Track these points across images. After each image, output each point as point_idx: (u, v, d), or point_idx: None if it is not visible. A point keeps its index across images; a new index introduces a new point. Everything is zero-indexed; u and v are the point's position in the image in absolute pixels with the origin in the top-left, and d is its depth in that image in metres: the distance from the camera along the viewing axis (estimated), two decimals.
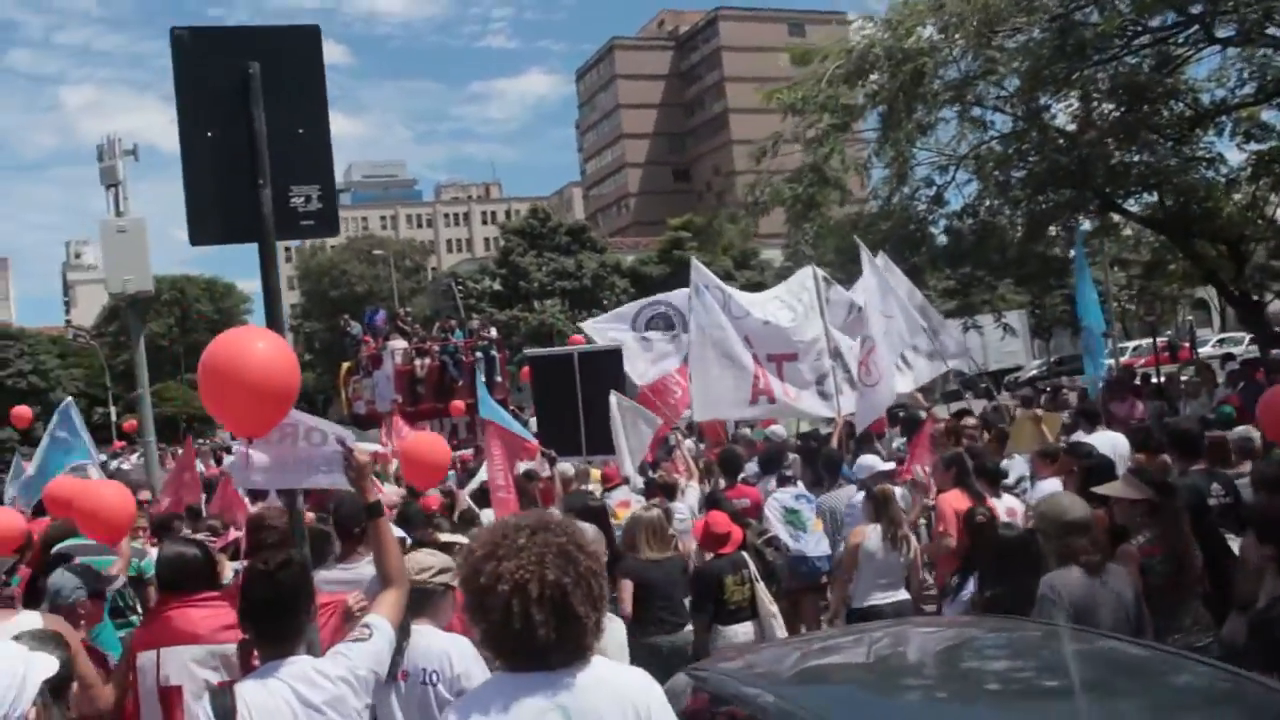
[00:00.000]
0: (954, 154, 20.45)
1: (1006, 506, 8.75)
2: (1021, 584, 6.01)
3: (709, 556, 8.34)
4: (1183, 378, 19.27)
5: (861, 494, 9.27)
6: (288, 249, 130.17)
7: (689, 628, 7.99)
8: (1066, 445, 10.00)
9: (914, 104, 17.93)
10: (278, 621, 3.84)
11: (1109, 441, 10.33)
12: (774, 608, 8.28)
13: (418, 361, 26.72)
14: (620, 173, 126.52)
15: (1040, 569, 5.86)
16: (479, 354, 26.65)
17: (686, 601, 8.11)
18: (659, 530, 8.21)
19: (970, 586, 7.22)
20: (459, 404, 24.63)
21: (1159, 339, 53.52)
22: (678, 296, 15.67)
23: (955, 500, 8.44)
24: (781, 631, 8.21)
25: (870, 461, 9.97)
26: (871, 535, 8.42)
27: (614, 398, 12.04)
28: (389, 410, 23.85)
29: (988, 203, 20.32)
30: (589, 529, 5.61)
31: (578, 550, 2.97)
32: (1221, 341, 51.30)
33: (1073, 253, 13.53)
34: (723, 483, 10.87)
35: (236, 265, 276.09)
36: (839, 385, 12.09)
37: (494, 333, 30.26)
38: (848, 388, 12.16)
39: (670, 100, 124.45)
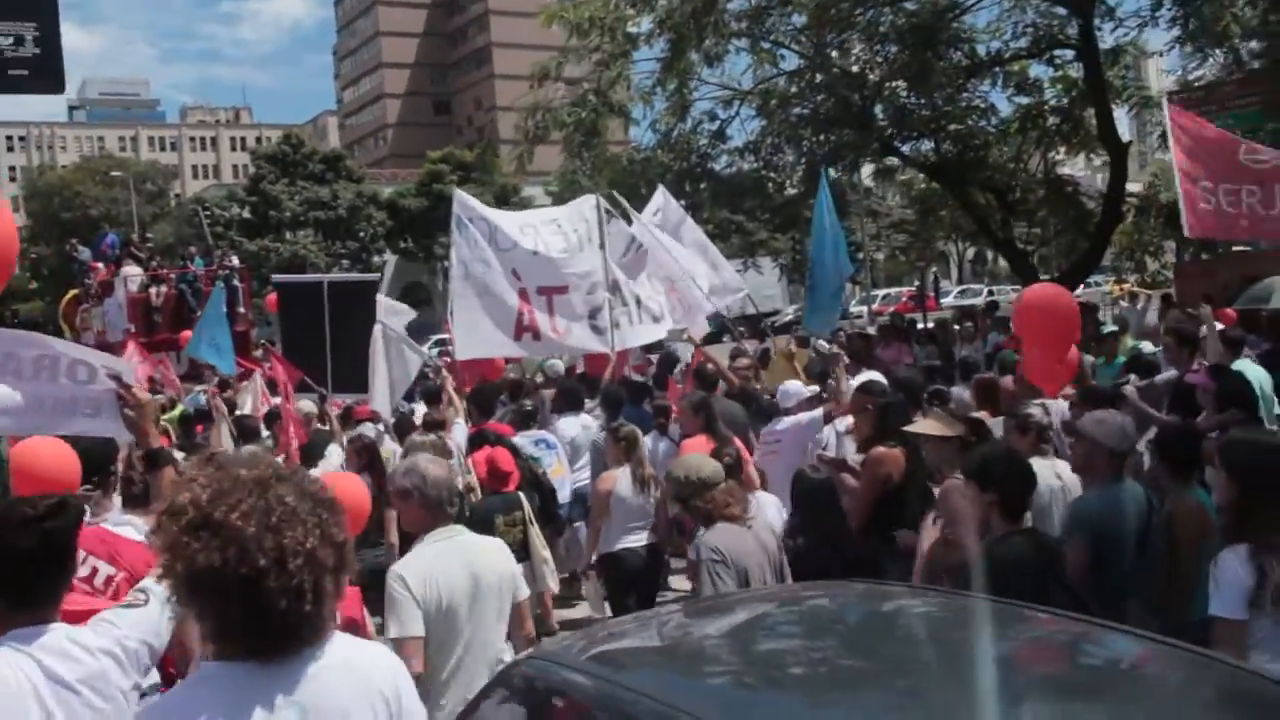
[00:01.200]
0: (739, 88, 19.94)
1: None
2: (829, 528, 6.19)
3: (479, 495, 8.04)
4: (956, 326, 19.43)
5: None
6: (11, 168, 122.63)
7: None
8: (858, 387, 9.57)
9: (704, 32, 17.24)
10: (38, 581, 3.11)
11: (788, 389, 9.86)
12: (546, 553, 7.99)
13: (153, 289, 25.45)
14: (378, 103, 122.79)
15: (840, 513, 6.34)
16: (219, 283, 25.11)
17: None
18: (441, 453, 7.57)
19: None
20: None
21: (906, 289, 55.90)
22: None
23: (700, 446, 7.99)
24: (553, 578, 8.05)
25: (795, 388, 9.49)
26: (622, 479, 8.12)
27: (378, 327, 11.57)
28: (121, 340, 22.33)
29: (769, 140, 19.93)
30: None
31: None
32: (963, 293, 53.83)
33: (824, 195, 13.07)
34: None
35: None
36: (615, 319, 11.57)
37: (236, 261, 28.93)
38: (624, 322, 11.70)
39: (433, 30, 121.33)
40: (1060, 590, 4.63)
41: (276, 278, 19.79)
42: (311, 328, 12.43)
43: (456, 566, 4.69)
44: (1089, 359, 11.83)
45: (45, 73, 3.82)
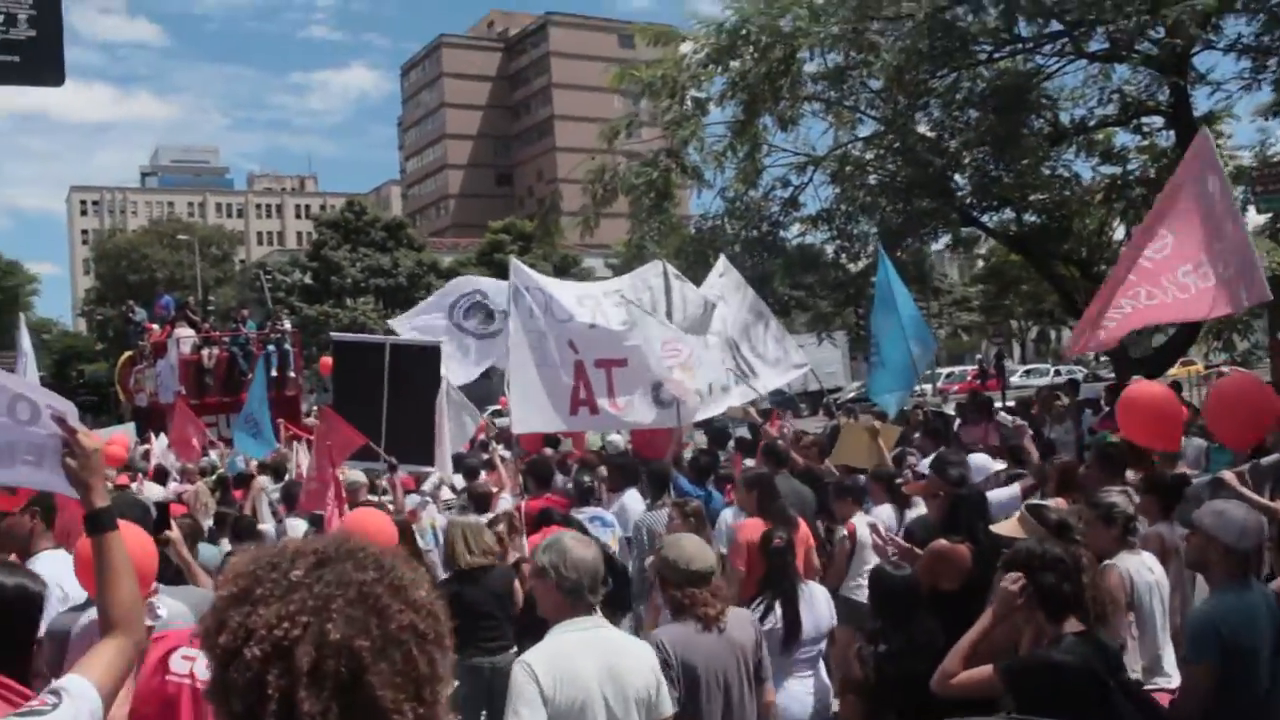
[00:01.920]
0: (813, 153, 19.23)
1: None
2: (919, 631, 5.48)
3: None
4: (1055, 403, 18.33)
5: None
6: (84, 231, 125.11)
7: (514, 649, 6.95)
8: (932, 464, 8.71)
9: (779, 93, 16.57)
10: None
11: (974, 464, 9.12)
12: None
13: (205, 351, 25.15)
14: (441, 173, 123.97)
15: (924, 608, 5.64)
16: (271, 347, 25.06)
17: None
18: (477, 534, 7.48)
19: (777, 612, 6.31)
20: (245, 398, 22.62)
21: (969, 368, 54.69)
22: (490, 284, 14.91)
23: (755, 527, 7.45)
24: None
25: (982, 462, 9.04)
26: None
27: (443, 387, 11.38)
28: (171, 402, 22.21)
29: (843, 208, 19.16)
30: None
31: (391, 595, 1.77)
32: (1029, 373, 52.54)
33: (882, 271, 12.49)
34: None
35: (25, 245, 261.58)
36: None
37: (288, 325, 28.56)
38: (701, 396, 11.23)
39: (496, 102, 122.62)
40: (1125, 698, 4.14)
41: (336, 336, 19.33)
42: (368, 391, 11.73)
43: (594, 666, 4.14)
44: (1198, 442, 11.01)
45: (42, 59, 3.04)
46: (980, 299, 51.89)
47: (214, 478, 13.44)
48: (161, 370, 25.89)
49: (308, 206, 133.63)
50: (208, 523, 10.02)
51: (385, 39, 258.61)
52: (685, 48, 18.09)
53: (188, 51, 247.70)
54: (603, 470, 11.30)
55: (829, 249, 20.40)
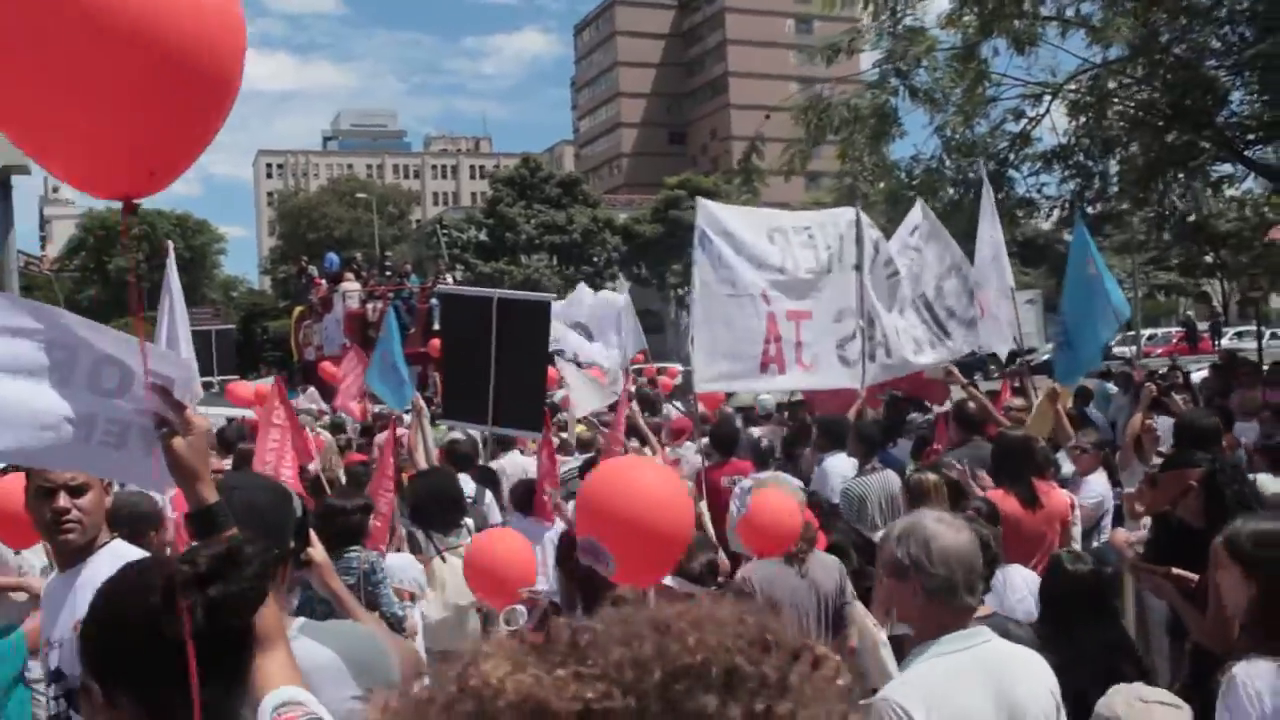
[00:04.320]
0: (1052, 80, 16.96)
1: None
2: (1091, 641, 4.64)
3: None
4: None
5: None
6: (269, 193, 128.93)
7: None
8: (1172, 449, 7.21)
9: (1021, 5, 14.41)
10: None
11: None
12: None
13: (369, 305, 25.06)
14: (614, 132, 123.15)
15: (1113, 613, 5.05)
16: (434, 301, 24.47)
17: None
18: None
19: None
20: (408, 352, 21.98)
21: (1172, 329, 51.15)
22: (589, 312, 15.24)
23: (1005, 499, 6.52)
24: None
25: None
26: None
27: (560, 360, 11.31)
28: (337, 356, 21.87)
29: (1084, 142, 16.91)
30: None
31: None
32: (1240, 334, 48.94)
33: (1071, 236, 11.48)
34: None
35: (216, 209, 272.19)
36: (871, 351, 10.48)
37: (451, 280, 28.16)
38: (881, 355, 10.64)
39: (669, 60, 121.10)
40: None
41: (442, 289, 18.41)
42: (475, 348, 10.65)
43: (982, 697, 3.11)
44: None
45: None
46: (1180, 256, 48.28)
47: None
48: (328, 324, 26.15)
49: (482, 167, 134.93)
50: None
51: (558, 2, 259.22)
52: None
53: (365, 20, 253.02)
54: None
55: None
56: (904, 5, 15.89)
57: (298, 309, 30.29)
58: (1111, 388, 15.59)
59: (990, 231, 11.13)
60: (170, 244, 9.58)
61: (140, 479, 2.90)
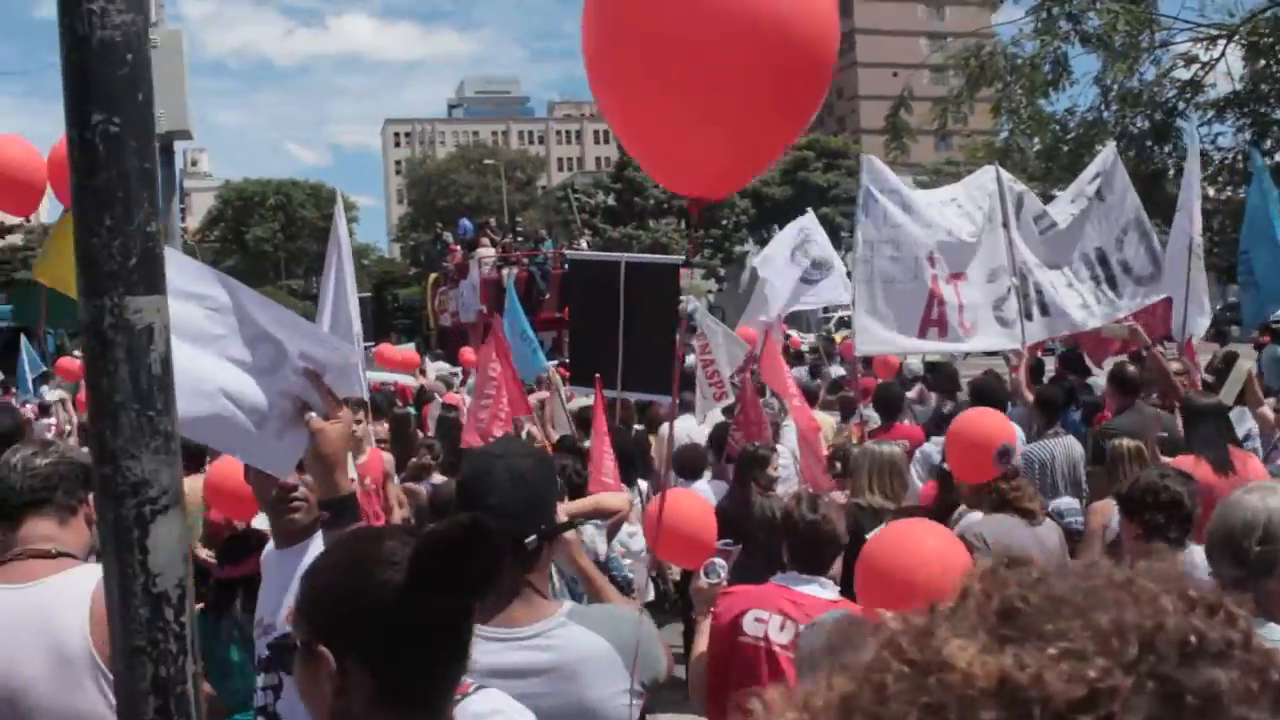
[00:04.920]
0: (1229, 21, 15.92)
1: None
2: None
3: None
4: None
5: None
6: (397, 162, 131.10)
7: None
8: None
9: None
10: (429, 667, 1.93)
11: None
12: None
13: (504, 270, 24.79)
14: None
15: None
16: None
17: None
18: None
19: None
20: (544, 317, 22.25)
21: None
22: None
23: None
24: None
25: None
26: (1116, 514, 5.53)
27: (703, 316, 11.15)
28: (473, 321, 22.34)
29: (1264, 88, 15.88)
30: None
31: None
32: None
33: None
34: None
35: (345, 178, 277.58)
36: (1026, 309, 10.09)
37: (584, 245, 28.11)
38: (1038, 313, 10.20)
39: None
40: None
41: (571, 254, 18.64)
42: (603, 313, 10.71)
43: None
44: None
45: None
46: None
47: None
48: (463, 290, 26.09)
49: (606, 132, 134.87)
50: None
51: None
52: None
53: None
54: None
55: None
56: None
57: (432, 275, 30.48)
58: None
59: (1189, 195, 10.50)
60: (340, 196, 9.45)
61: (267, 462, 2.89)
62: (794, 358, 17.07)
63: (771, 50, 2.57)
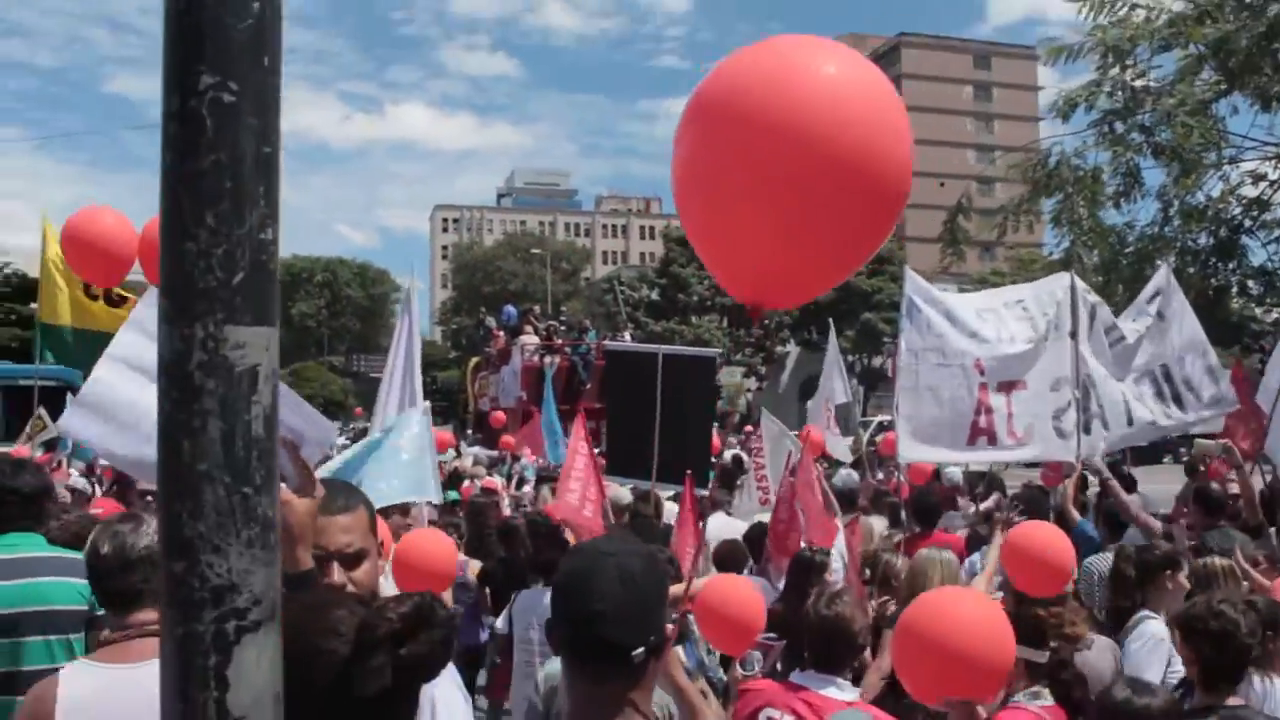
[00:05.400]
0: None
1: None
2: None
3: None
4: None
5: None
6: (444, 247, 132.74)
7: None
8: None
9: (1276, 57, 13.29)
10: None
11: None
12: None
13: (547, 359, 25.16)
14: None
15: None
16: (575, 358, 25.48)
17: None
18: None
19: None
20: (585, 406, 22.06)
21: None
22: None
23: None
24: None
25: None
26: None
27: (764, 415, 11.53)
28: (513, 407, 22.64)
29: None
30: None
31: None
32: None
33: None
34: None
35: (392, 261, 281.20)
36: (1086, 422, 9.93)
37: (628, 337, 28.22)
38: (1099, 426, 10.06)
39: None
40: None
41: (608, 345, 19.01)
42: (639, 405, 10.68)
43: None
44: None
45: None
46: None
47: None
48: (505, 375, 26.28)
49: (652, 228, 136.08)
50: None
51: None
52: (1139, 14, 15.08)
53: (542, 82, 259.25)
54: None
55: None
56: (1133, 59, 14.91)
57: (473, 360, 30.66)
58: None
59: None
60: (413, 282, 9.36)
61: None
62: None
63: (856, 186, 2.88)
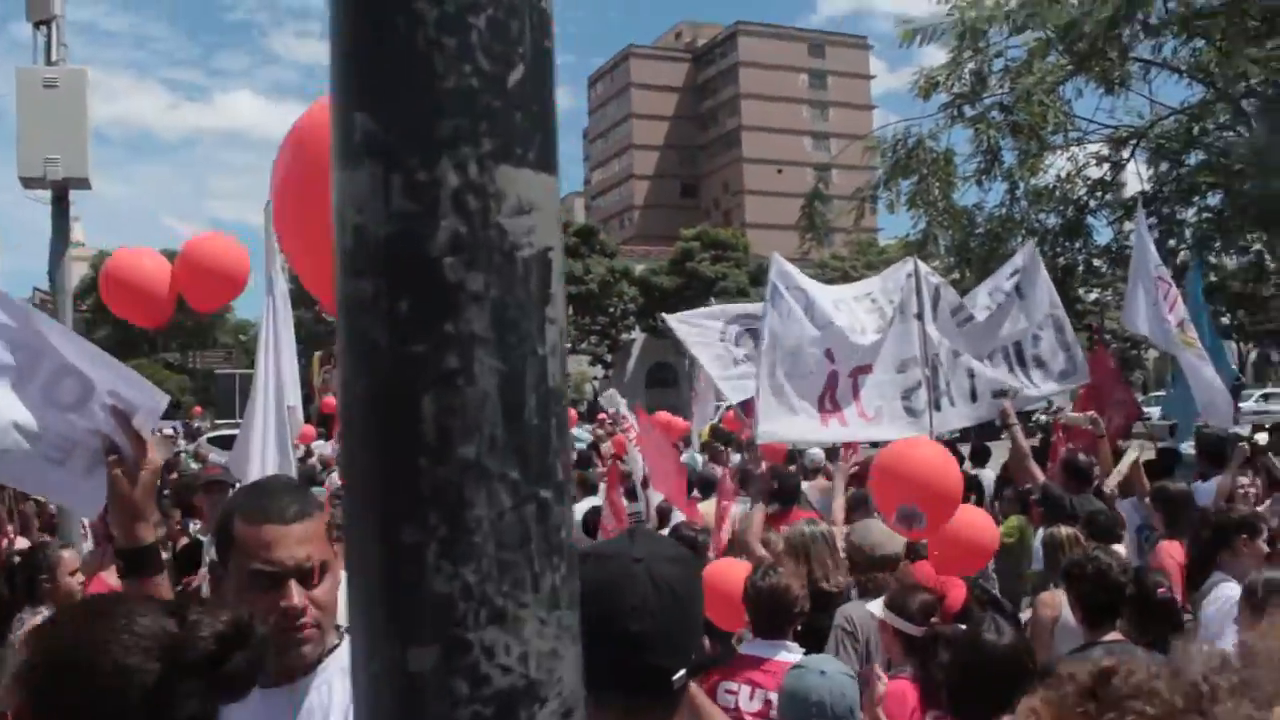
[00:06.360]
0: (1140, 123, 16.24)
1: None
2: None
3: None
4: None
5: None
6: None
7: None
8: None
9: (1124, 42, 13.70)
10: None
11: None
12: None
13: None
14: (626, 184, 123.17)
15: None
16: None
17: None
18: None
19: None
20: None
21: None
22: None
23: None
24: None
25: None
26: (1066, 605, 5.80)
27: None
28: None
29: (1166, 190, 16.22)
30: None
31: None
32: (1266, 397, 47.59)
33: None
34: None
35: None
36: (939, 400, 10.11)
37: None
38: (944, 403, 10.24)
39: (683, 113, 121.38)
40: None
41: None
42: None
43: None
44: None
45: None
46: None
47: None
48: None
49: None
50: None
51: (569, 56, 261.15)
52: None
53: None
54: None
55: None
56: (987, 42, 15.22)
57: (316, 353, 29.67)
58: None
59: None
60: (281, 265, 7.87)
61: (73, 501, 2.84)
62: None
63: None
